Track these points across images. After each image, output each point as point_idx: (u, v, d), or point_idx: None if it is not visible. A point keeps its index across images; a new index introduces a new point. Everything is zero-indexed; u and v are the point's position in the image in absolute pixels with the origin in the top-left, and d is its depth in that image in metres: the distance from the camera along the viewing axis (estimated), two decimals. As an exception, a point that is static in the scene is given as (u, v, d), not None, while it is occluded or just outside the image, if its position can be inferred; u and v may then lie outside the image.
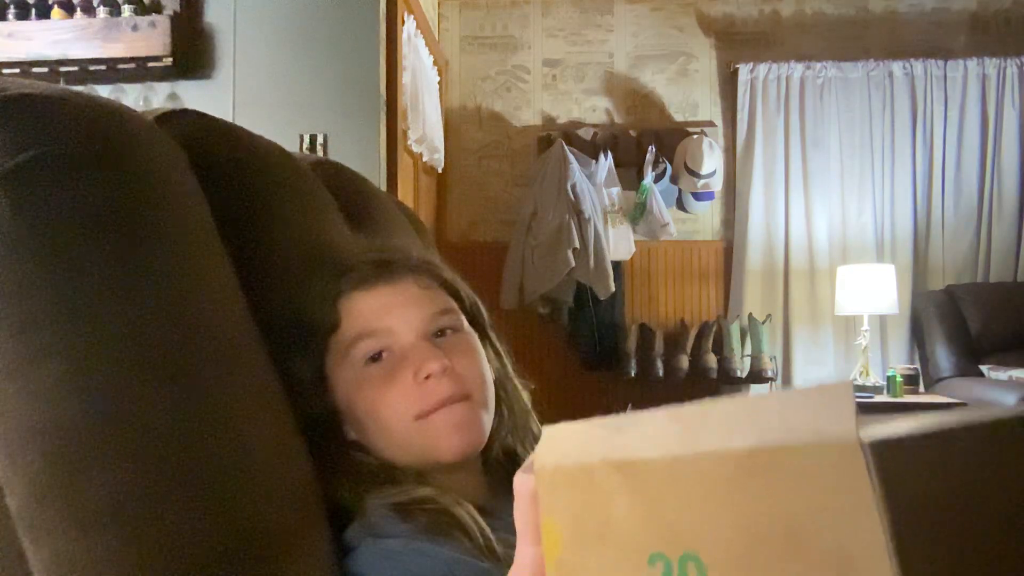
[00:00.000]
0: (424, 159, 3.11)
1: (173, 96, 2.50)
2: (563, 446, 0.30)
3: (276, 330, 0.66)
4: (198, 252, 0.59)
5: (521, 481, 0.34)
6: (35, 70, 2.44)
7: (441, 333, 0.69)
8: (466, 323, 0.72)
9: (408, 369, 0.65)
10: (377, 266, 0.70)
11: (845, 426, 0.21)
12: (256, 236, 0.71)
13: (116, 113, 0.57)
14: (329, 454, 0.66)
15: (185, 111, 0.70)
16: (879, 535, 0.20)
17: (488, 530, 0.60)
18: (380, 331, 0.67)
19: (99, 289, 0.50)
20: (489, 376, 0.71)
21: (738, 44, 3.70)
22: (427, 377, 0.64)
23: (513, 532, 0.36)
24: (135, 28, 2.41)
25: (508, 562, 0.39)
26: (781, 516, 0.22)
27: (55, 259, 0.49)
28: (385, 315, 0.67)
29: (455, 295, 0.74)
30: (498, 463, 0.73)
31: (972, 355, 3.20)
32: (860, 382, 2.97)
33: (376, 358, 0.67)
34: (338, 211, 0.89)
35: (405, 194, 2.78)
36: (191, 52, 2.48)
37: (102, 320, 0.49)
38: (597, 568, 0.29)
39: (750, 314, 3.44)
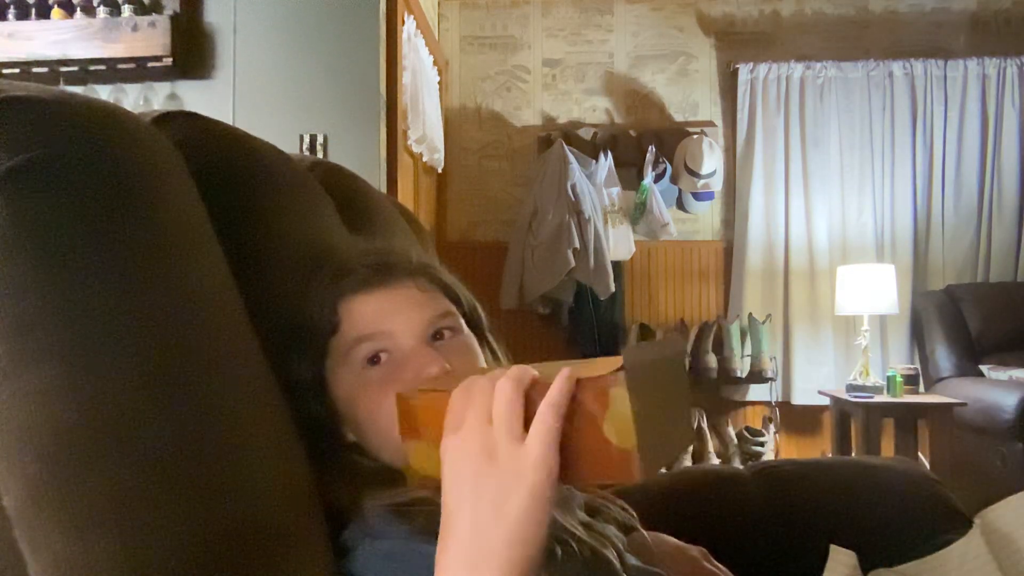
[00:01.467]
0: (424, 159, 3.11)
1: (173, 96, 2.50)
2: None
3: (275, 332, 0.66)
4: (195, 254, 0.59)
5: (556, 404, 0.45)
6: (35, 70, 2.44)
7: (440, 336, 0.69)
8: (465, 326, 0.73)
9: (408, 373, 0.65)
10: (377, 269, 0.71)
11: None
12: (254, 238, 0.71)
13: (113, 115, 0.57)
14: (327, 456, 0.66)
15: (182, 113, 0.70)
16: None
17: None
18: (380, 334, 0.67)
19: (95, 291, 0.50)
20: None
21: (738, 44, 3.70)
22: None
23: None
24: (135, 28, 2.41)
25: None
26: None
27: (51, 261, 0.49)
28: (385, 318, 0.68)
29: (454, 298, 0.74)
30: None
31: (972, 355, 3.20)
32: (860, 382, 2.96)
33: (375, 361, 0.67)
34: (336, 213, 0.89)
35: (405, 194, 2.77)
36: (191, 52, 2.48)
37: (98, 322, 0.49)
38: (652, 402, 0.48)
39: (750, 314, 3.44)
